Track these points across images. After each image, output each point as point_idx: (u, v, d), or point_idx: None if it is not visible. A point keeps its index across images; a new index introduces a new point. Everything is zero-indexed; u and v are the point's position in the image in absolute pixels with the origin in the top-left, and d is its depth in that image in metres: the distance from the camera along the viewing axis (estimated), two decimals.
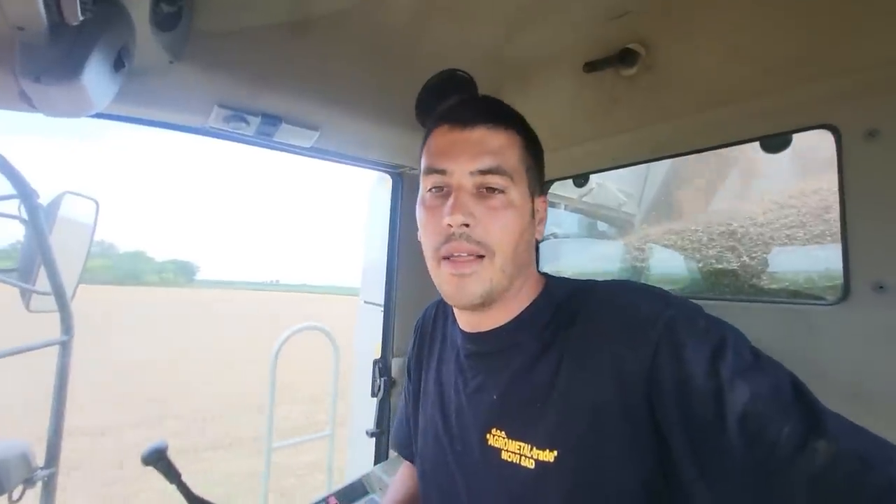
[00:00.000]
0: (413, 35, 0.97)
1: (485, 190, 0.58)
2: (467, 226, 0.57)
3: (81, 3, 0.50)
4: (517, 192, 0.59)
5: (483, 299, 0.59)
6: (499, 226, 0.58)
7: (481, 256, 0.58)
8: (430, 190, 0.62)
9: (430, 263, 0.62)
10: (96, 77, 0.62)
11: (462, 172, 0.58)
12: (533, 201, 0.63)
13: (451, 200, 0.57)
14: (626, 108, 1.00)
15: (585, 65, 0.97)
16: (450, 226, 0.57)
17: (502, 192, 0.58)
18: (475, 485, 0.62)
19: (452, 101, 0.65)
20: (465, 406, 0.66)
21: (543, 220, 0.67)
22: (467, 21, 0.96)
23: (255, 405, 5.46)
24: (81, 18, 0.50)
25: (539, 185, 0.65)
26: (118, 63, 0.66)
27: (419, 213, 0.63)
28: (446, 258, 0.59)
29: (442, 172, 0.59)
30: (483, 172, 0.58)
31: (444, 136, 0.61)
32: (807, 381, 0.45)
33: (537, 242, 1.30)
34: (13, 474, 1.07)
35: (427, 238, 0.61)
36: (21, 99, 0.60)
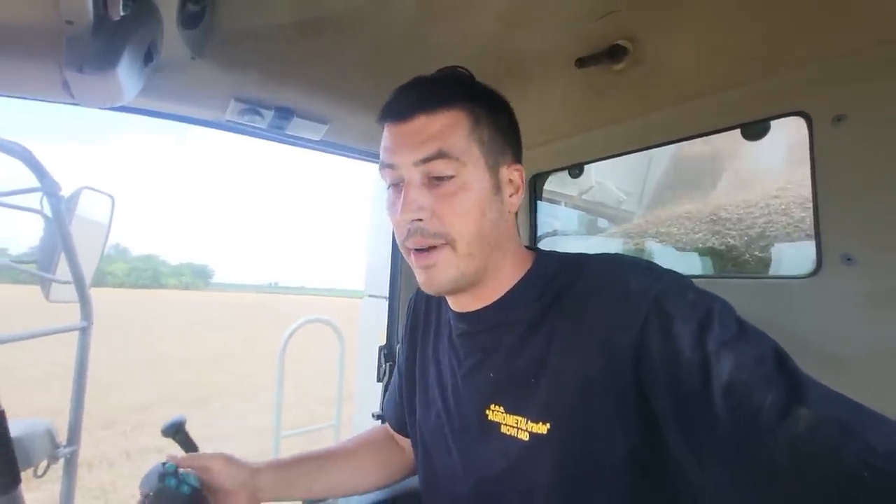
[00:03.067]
0: (416, 33, 1.03)
1: (434, 178, 0.59)
2: (420, 220, 0.58)
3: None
4: (470, 172, 0.59)
5: (454, 286, 0.61)
6: (454, 212, 0.58)
7: (444, 245, 0.59)
8: (389, 187, 0.64)
9: (404, 255, 0.64)
10: (129, 70, 0.69)
11: (407, 165, 0.59)
12: (498, 174, 0.62)
13: (402, 197, 0.59)
14: (616, 101, 1.06)
15: (577, 60, 1.03)
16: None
17: (452, 176, 0.58)
18: (472, 459, 0.65)
19: (393, 93, 0.64)
20: (461, 385, 0.68)
21: (520, 189, 0.65)
22: (464, 19, 1.02)
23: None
24: (122, 14, 0.57)
25: (507, 153, 0.64)
26: (147, 57, 0.73)
27: (387, 209, 0.65)
28: (412, 250, 0.61)
29: (392, 167, 0.61)
30: (426, 160, 0.58)
31: (389, 131, 0.63)
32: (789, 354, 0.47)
33: (536, 231, 1.34)
34: (38, 450, 1.14)
35: (395, 233, 0.63)
36: (62, 89, 0.67)
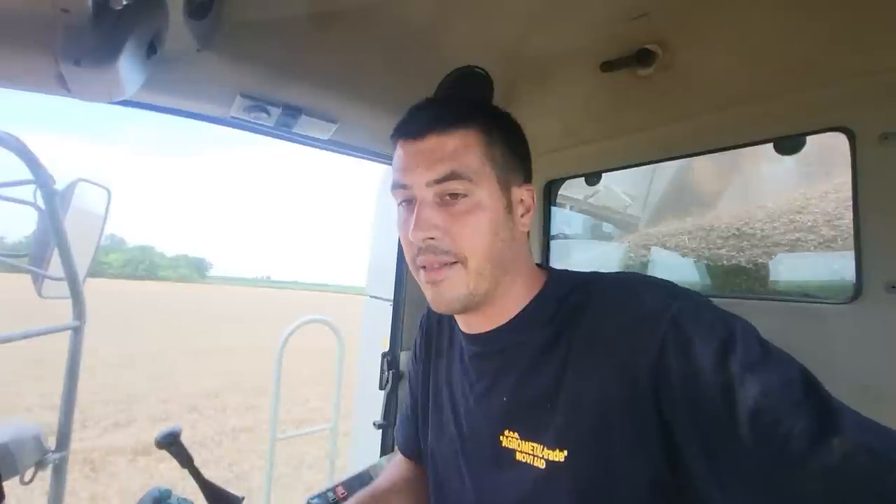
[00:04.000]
0: (432, 32, 0.99)
1: (448, 197, 0.58)
2: (432, 238, 0.58)
3: None
4: (483, 192, 0.58)
5: (463, 304, 0.60)
6: (466, 231, 0.57)
7: (455, 262, 0.58)
8: (400, 204, 0.63)
9: (413, 272, 0.63)
10: (130, 63, 0.64)
11: (420, 185, 0.58)
12: (510, 194, 0.62)
13: (413, 215, 0.58)
14: (641, 108, 1.02)
15: (602, 64, 0.98)
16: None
17: (465, 195, 0.58)
18: (486, 485, 0.62)
19: (406, 113, 0.65)
20: (474, 408, 0.66)
21: (530, 210, 0.64)
22: (486, 18, 0.98)
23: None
24: (124, 3, 0.51)
25: (519, 174, 0.64)
26: (150, 50, 0.68)
27: (397, 225, 0.64)
28: (423, 267, 0.60)
29: (404, 187, 0.60)
30: (440, 181, 0.57)
31: (401, 150, 0.62)
32: (818, 379, 0.45)
33: (549, 237, 1.30)
34: (26, 457, 1.09)
35: (405, 250, 0.62)
36: (57, 82, 0.61)
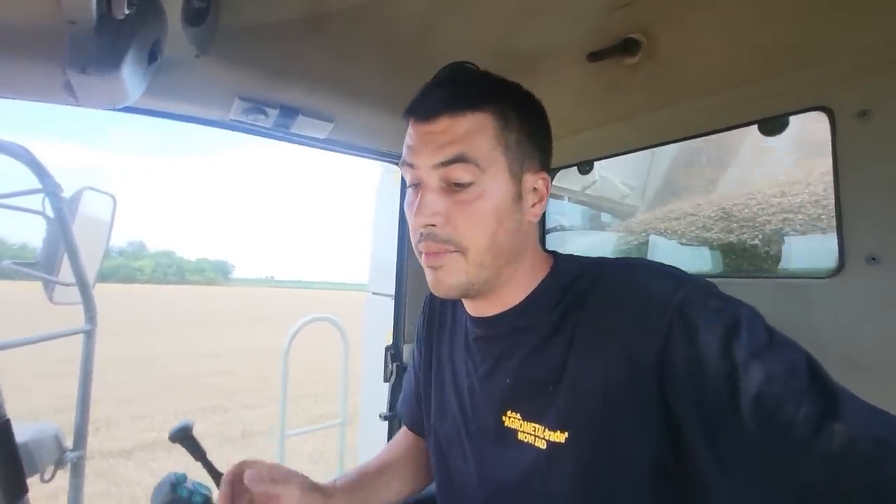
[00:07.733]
0: (424, 29, 1.01)
1: (454, 184, 0.56)
2: (433, 226, 0.56)
3: None
4: (490, 179, 0.57)
5: (462, 291, 0.59)
6: (469, 221, 0.56)
7: (455, 251, 0.57)
8: (409, 186, 0.61)
9: (416, 255, 0.62)
10: (133, 69, 0.67)
11: (426, 167, 0.57)
12: (521, 181, 0.59)
13: (418, 199, 0.57)
14: (629, 96, 1.04)
15: (589, 55, 1.00)
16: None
17: (471, 184, 0.56)
18: (487, 464, 0.63)
19: (422, 89, 0.61)
20: (478, 389, 0.66)
21: (543, 199, 0.62)
22: (476, 15, 1.00)
23: None
24: (126, 13, 0.54)
25: (535, 160, 0.61)
26: (152, 56, 0.71)
27: (405, 207, 0.63)
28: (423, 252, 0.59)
29: (411, 167, 0.59)
30: (445, 164, 0.56)
31: (412, 129, 0.60)
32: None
33: (545, 227, 1.32)
34: (45, 456, 1.12)
35: (410, 232, 0.61)
36: (65, 90, 0.64)
